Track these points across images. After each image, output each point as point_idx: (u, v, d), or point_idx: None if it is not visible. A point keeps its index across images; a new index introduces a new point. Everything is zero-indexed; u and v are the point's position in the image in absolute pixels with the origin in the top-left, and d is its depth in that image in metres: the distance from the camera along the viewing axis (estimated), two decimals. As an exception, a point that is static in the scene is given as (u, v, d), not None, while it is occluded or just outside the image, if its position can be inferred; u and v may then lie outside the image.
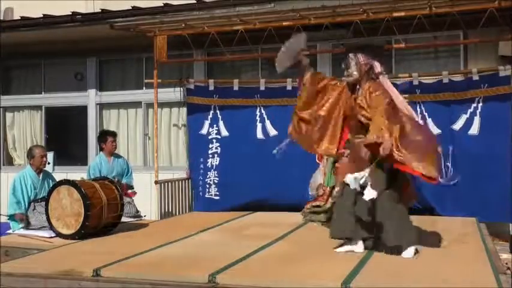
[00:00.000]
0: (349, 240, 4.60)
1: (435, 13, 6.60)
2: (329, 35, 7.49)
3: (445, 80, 7.09)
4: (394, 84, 7.16)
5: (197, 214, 7.75)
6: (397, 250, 4.43)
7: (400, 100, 4.66)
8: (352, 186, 4.29)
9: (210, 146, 8.00)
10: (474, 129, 6.96)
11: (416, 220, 6.36)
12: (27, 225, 6.12)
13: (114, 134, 7.39)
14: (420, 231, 4.92)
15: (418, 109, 7.12)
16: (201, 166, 8.02)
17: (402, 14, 6.70)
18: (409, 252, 4.42)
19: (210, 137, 8.01)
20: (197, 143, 8.06)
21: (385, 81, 4.63)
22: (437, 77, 7.17)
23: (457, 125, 7.04)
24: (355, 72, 4.54)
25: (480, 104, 6.94)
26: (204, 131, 8.03)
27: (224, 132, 7.95)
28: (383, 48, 4.94)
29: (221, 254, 4.60)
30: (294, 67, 4.74)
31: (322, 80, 4.71)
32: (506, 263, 4.92)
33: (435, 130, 7.05)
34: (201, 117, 8.05)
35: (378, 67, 4.57)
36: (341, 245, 4.66)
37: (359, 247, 4.55)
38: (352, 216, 4.47)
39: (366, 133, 4.42)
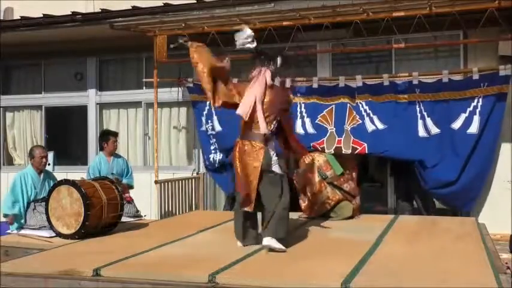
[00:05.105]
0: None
1: (435, 13, 6.60)
2: (329, 35, 7.49)
3: (445, 80, 7.08)
4: (395, 83, 7.25)
5: (197, 214, 7.77)
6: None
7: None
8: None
9: (211, 141, 8.22)
10: (473, 128, 6.96)
11: (416, 220, 6.41)
12: (22, 226, 6.13)
13: (116, 134, 7.40)
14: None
15: (418, 108, 7.13)
16: (207, 163, 8.30)
17: (402, 13, 6.70)
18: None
19: (208, 133, 8.23)
20: (204, 139, 8.29)
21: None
22: (437, 76, 7.17)
23: (456, 124, 7.04)
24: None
25: (480, 103, 6.94)
26: (203, 127, 8.25)
27: (218, 127, 8.10)
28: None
29: (221, 254, 4.59)
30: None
31: None
32: (506, 263, 4.92)
33: (434, 129, 7.08)
34: (200, 114, 8.27)
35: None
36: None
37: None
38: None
39: None
